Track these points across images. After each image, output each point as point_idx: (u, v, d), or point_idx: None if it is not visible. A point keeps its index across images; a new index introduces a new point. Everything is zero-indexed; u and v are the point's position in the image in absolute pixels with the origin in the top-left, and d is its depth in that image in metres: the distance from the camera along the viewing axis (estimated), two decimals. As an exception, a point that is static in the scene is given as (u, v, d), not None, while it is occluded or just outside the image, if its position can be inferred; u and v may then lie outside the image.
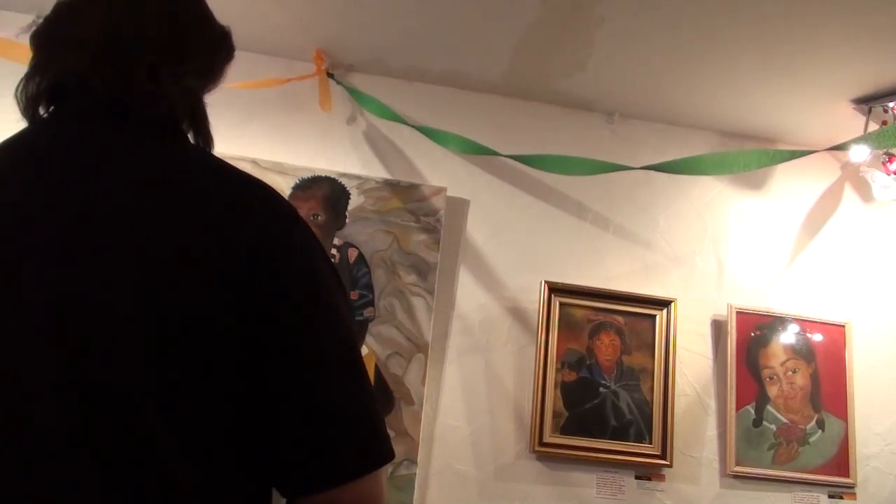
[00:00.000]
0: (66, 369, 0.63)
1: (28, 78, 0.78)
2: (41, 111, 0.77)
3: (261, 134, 2.20)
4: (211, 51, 0.85)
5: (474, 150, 2.21)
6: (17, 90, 0.78)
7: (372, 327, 2.09)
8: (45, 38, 0.79)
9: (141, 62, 0.76)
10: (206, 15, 0.86)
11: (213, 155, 0.80)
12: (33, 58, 0.79)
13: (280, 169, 2.11)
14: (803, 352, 2.30)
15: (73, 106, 0.76)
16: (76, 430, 0.62)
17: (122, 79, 0.75)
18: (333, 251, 2.13)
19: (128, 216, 0.68)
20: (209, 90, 0.86)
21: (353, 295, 2.11)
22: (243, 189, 0.74)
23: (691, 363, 2.27)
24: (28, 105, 0.77)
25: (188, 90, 0.80)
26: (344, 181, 2.18)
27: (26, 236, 0.67)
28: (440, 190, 2.21)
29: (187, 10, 0.83)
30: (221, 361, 0.67)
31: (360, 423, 0.70)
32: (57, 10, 0.80)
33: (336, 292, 0.74)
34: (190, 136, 0.83)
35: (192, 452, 0.66)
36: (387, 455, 0.70)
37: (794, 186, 2.46)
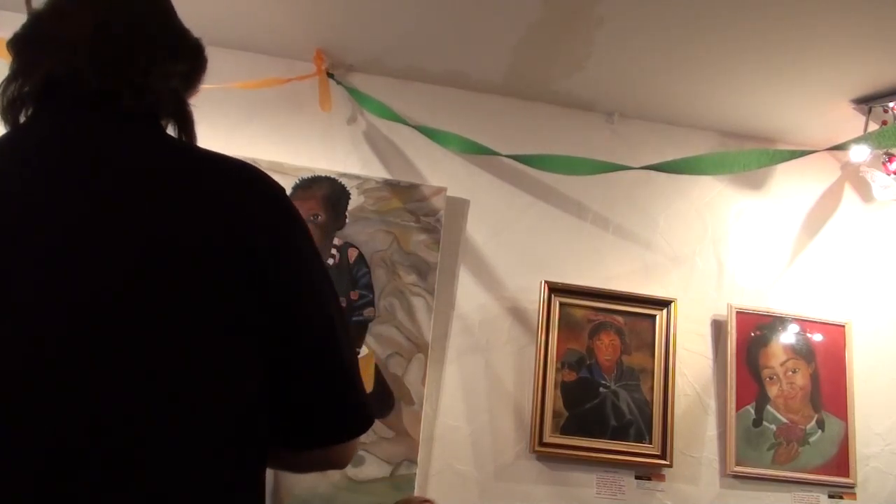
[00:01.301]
0: (68, 369, 0.63)
1: (9, 81, 0.78)
2: (23, 113, 0.77)
3: (261, 134, 2.20)
4: (192, 58, 0.87)
5: (474, 150, 2.21)
6: None
7: (372, 327, 2.09)
8: (29, 42, 0.80)
9: (134, 59, 0.78)
10: (183, 26, 0.88)
11: (204, 148, 0.81)
12: (15, 61, 0.79)
13: (280, 169, 2.11)
14: (803, 352, 2.30)
15: (65, 101, 0.76)
16: (81, 429, 0.62)
17: (115, 72, 0.76)
18: (333, 251, 2.13)
19: (130, 213, 0.69)
20: (189, 97, 0.88)
21: (354, 295, 2.11)
22: (241, 180, 0.76)
23: (691, 363, 2.27)
24: (9, 108, 0.77)
25: (174, 90, 0.82)
26: (344, 181, 2.18)
27: (26, 235, 0.67)
28: (440, 190, 2.21)
29: (170, 18, 0.86)
30: (226, 355, 0.69)
31: (359, 396, 0.79)
32: (38, 14, 0.80)
33: (328, 275, 0.81)
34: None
35: (197, 448, 0.66)
36: (371, 422, 0.81)
37: (794, 186, 2.46)
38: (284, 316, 0.73)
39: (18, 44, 0.80)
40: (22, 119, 0.78)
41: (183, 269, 0.67)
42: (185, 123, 0.84)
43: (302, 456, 0.80)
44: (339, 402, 0.77)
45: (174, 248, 0.68)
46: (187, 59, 0.85)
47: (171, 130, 0.82)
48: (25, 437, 0.62)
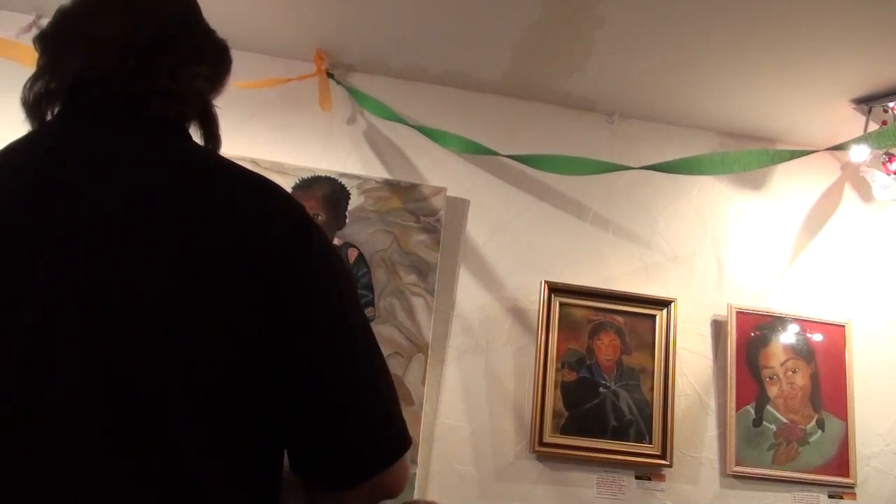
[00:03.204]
0: (91, 369, 0.64)
1: (36, 77, 0.78)
2: (49, 111, 0.77)
3: (261, 134, 2.20)
4: (217, 59, 0.87)
5: (474, 150, 2.20)
6: (24, 89, 0.78)
7: (372, 327, 2.09)
8: (57, 39, 0.79)
9: (163, 62, 0.78)
10: (209, 27, 0.88)
11: (226, 158, 0.81)
12: (41, 57, 0.79)
13: (280, 169, 2.11)
14: (803, 352, 2.30)
15: (91, 105, 0.76)
16: (101, 426, 0.63)
17: (144, 78, 0.77)
18: (333, 251, 2.13)
19: (147, 222, 0.69)
20: (214, 98, 0.88)
21: (353, 295, 2.11)
22: (264, 195, 0.76)
23: (691, 363, 2.27)
24: (35, 104, 0.77)
25: (200, 92, 0.83)
26: (344, 181, 2.18)
27: (45, 238, 0.68)
28: (440, 190, 2.21)
29: (198, 19, 0.86)
30: (244, 362, 0.69)
31: (388, 417, 0.77)
32: (65, 11, 0.80)
33: (352, 291, 0.81)
34: (198, 139, 0.84)
35: (215, 449, 0.67)
36: (408, 443, 0.78)
37: (794, 186, 2.46)
38: (303, 337, 0.72)
39: (46, 40, 0.80)
40: (48, 116, 0.77)
41: (199, 283, 0.67)
42: (210, 126, 0.84)
43: (345, 496, 0.76)
44: (362, 431, 0.74)
45: (190, 263, 0.68)
46: (212, 60, 0.86)
47: (195, 132, 0.82)
48: (50, 430, 0.62)
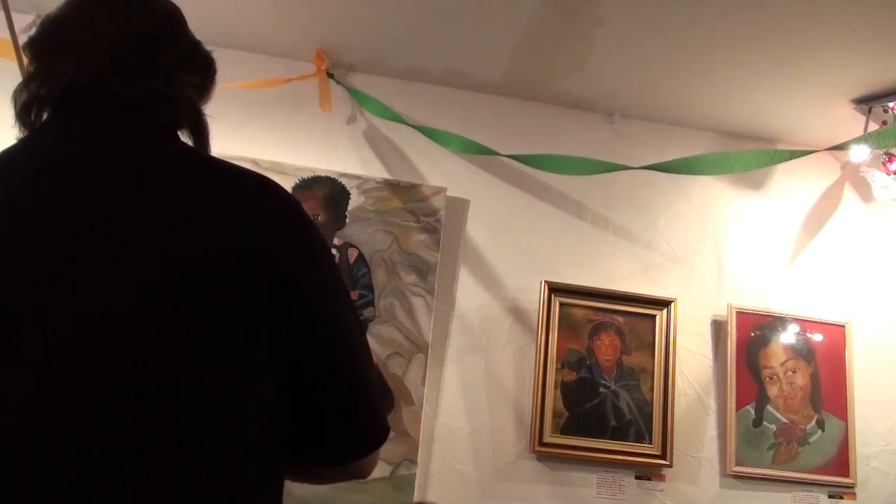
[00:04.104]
0: (92, 370, 0.64)
1: (27, 82, 0.78)
2: (41, 116, 0.77)
3: (261, 134, 2.20)
4: (205, 70, 0.88)
5: (474, 150, 2.20)
6: (14, 94, 0.78)
7: (372, 327, 2.09)
8: (47, 45, 0.79)
9: (154, 67, 0.79)
10: (195, 38, 0.89)
11: (222, 160, 0.82)
12: (32, 63, 0.79)
13: (280, 169, 2.11)
14: (803, 352, 2.30)
15: (87, 107, 0.76)
16: (103, 427, 0.63)
17: (142, 78, 0.78)
18: (333, 251, 2.13)
19: (151, 224, 0.69)
20: (202, 105, 0.89)
21: (354, 295, 2.11)
22: (262, 196, 0.76)
23: (691, 363, 2.27)
24: (24, 110, 0.77)
25: (191, 99, 0.84)
26: (344, 181, 2.18)
27: (48, 242, 0.68)
28: (440, 190, 2.21)
29: (185, 30, 0.87)
30: (244, 361, 0.69)
31: (377, 412, 0.82)
32: (53, 17, 0.80)
33: (344, 285, 0.83)
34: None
35: (217, 448, 0.67)
36: (387, 435, 0.83)
37: (794, 186, 2.46)
38: (303, 332, 0.73)
39: (36, 47, 0.80)
40: (37, 124, 0.77)
41: (201, 280, 0.68)
42: (202, 134, 0.85)
43: (323, 470, 0.83)
44: (353, 422, 0.79)
45: (193, 261, 0.68)
46: (200, 71, 0.87)
47: (185, 139, 0.83)
48: (49, 441, 0.62)
